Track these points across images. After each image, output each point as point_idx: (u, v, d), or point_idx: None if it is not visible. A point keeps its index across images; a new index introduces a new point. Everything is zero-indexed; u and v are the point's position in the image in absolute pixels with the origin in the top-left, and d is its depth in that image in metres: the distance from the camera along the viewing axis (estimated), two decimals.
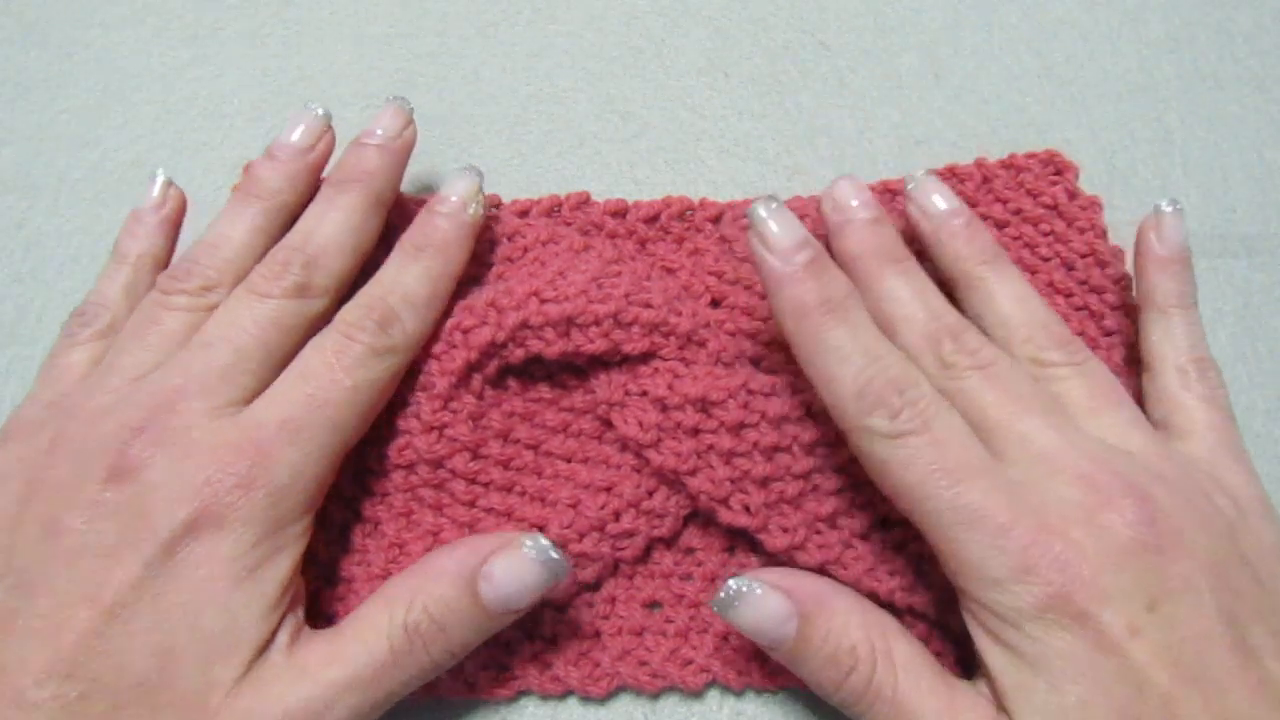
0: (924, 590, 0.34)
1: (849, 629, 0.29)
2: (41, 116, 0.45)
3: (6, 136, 0.45)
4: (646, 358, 0.35)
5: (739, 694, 0.35)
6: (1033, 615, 0.27)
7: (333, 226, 0.33)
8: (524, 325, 0.34)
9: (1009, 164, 0.39)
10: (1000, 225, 0.39)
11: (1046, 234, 0.38)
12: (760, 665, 0.35)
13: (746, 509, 0.34)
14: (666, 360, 0.35)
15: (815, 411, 0.34)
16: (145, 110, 0.45)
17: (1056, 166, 0.39)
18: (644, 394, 0.35)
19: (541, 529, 0.34)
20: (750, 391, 0.34)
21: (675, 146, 0.44)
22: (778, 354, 0.37)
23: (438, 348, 0.35)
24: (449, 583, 0.29)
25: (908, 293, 0.32)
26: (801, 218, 0.39)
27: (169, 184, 0.37)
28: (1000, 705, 0.28)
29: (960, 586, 0.29)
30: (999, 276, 0.33)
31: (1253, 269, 0.41)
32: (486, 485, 0.35)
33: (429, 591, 0.29)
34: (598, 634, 0.35)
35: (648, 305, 0.35)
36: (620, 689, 0.35)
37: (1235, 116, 0.44)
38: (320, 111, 0.36)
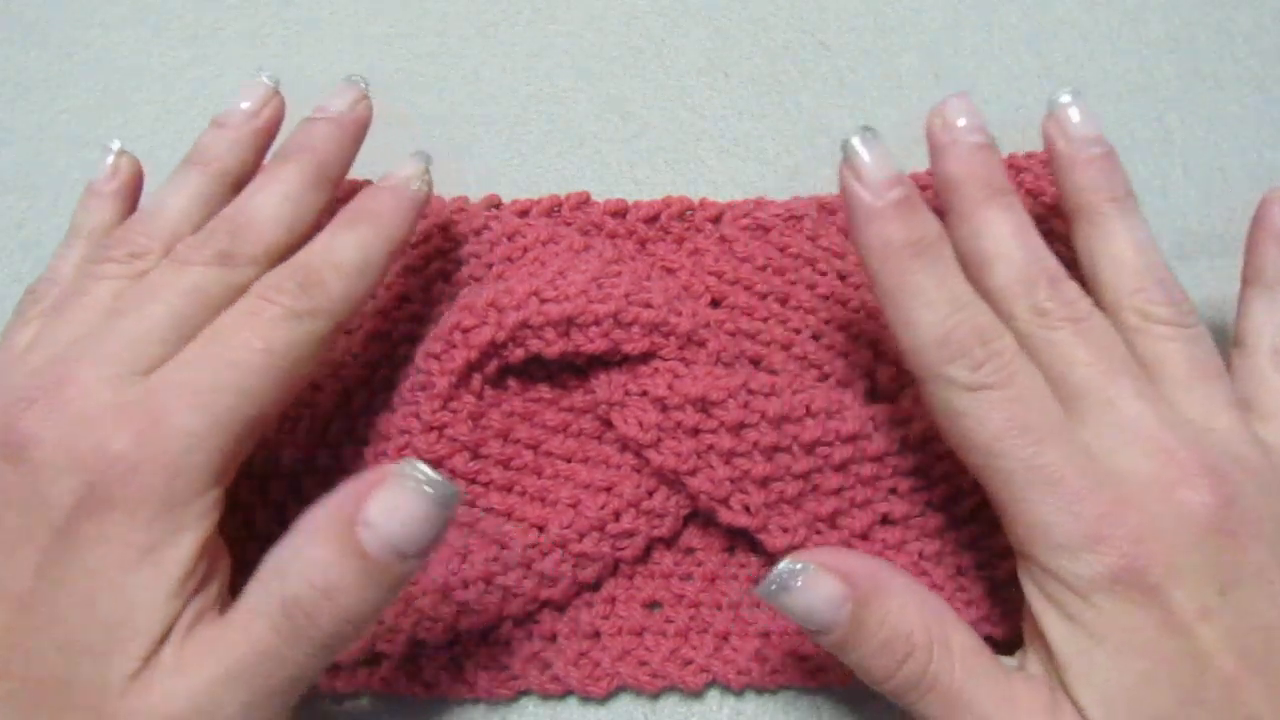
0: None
1: (906, 614, 0.28)
2: (41, 116, 0.45)
3: (6, 136, 0.45)
4: (647, 358, 0.35)
5: (739, 694, 0.35)
6: (1102, 586, 0.26)
7: (267, 196, 0.31)
8: (524, 325, 0.34)
9: (1009, 164, 0.39)
10: None
11: (1046, 234, 0.38)
12: (760, 665, 0.35)
13: (746, 509, 0.34)
14: (666, 360, 0.35)
15: (815, 411, 0.34)
16: (145, 110, 0.45)
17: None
18: (644, 394, 0.35)
19: (541, 529, 0.34)
20: (750, 391, 0.34)
21: (675, 146, 0.44)
22: (778, 354, 0.37)
23: (438, 347, 0.34)
24: (324, 541, 0.25)
25: (1008, 229, 0.30)
26: (799, 218, 0.39)
27: (122, 153, 0.36)
28: (1056, 678, 0.27)
29: (1025, 551, 0.28)
30: (1125, 217, 0.31)
31: None
32: (486, 485, 0.35)
33: (305, 556, 0.26)
34: (598, 634, 0.35)
35: (648, 305, 0.35)
36: (620, 689, 0.35)
37: (1235, 116, 0.44)
38: (267, 79, 0.35)
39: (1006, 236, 0.30)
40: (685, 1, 0.47)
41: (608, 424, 0.36)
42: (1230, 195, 0.42)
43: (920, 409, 0.36)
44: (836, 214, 0.39)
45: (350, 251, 0.31)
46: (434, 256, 0.38)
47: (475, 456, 0.35)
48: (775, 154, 0.44)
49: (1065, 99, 0.33)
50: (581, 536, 0.34)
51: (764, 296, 0.38)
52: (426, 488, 0.25)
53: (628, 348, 0.35)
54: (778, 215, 0.39)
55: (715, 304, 0.38)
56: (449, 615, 0.34)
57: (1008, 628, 0.34)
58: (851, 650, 0.28)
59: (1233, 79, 0.45)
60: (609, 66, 0.46)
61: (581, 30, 0.46)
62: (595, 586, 0.36)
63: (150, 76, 0.46)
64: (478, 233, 0.39)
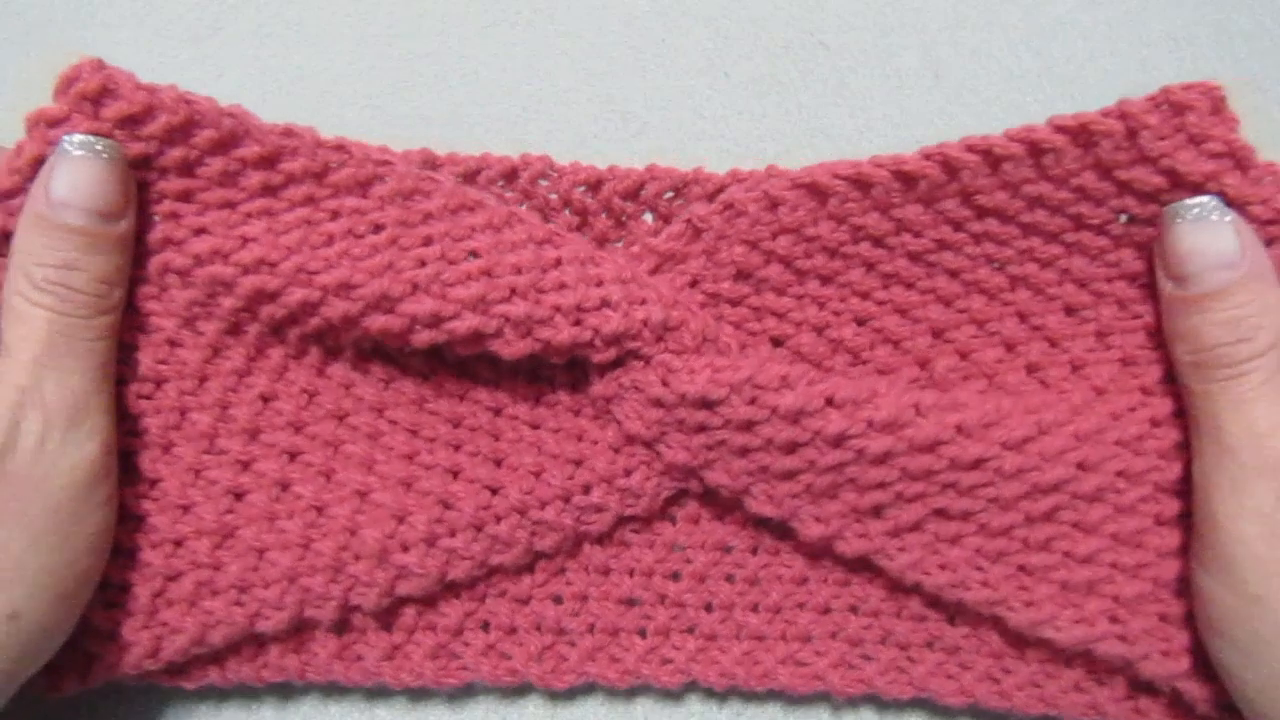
0: (978, 586, 0.33)
1: (1271, 311, 0.29)
2: None
3: (6, 136, 0.44)
4: (641, 355, 0.34)
5: (739, 694, 0.35)
6: None
7: None
8: (385, 296, 0.31)
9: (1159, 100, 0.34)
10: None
11: (1045, 233, 0.34)
12: (747, 670, 0.34)
13: (770, 499, 0.33)
14: (659, 356, 0.34)
15: (839, 402, 0.31)
16: None
17: (1213, 104, 0.33)
18: (638, 390, 0.33)
19: (495, 492, 0.33)
20: (757, 386, 0.32)
21: (675, 146, 0.44)
22: (807, 335, 0.35)
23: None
24: (28, 227, 0.29)
25: None
26: (869, 186, 0.33)
27: None
28: None
29: None
30: None
31: None
32: (431, 441, 0.34)
33: (22, 250, 0.29)
34: (563, 630, 0.34)
35: (644, 303, 0.33)
36: (624, 689, 0.35)
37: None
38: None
39: None
40: (685, 1, 0.47)
41: (593, 403, 0.35)
42: None
43: (978, 400, 0.32)
44: (918, 184, 0.32)
45: None
46: (300, 204, 0.32)
47: (421, 411, 0.34)
48: (775, 154, 0.44)
49: None
50: (544, 504, 0.33)
51: (803, 274, 0.34)
52: (83, 150, 0.29)
53: (597, 351, 0.33)
54: (841, 178, 0.33)
55: (741, 277, 0.34)
56: (385, 581, 0.32)
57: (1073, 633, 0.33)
58: (1199, 313, 0.30)
59: (1233, 79, 0.44)
60: (609, 66, 0.46)
61: (581, 30, 0.46)
62: (550, 557, 0.35)
63: (150, 76, 0.45)
64: (365, 185, 0.32)
